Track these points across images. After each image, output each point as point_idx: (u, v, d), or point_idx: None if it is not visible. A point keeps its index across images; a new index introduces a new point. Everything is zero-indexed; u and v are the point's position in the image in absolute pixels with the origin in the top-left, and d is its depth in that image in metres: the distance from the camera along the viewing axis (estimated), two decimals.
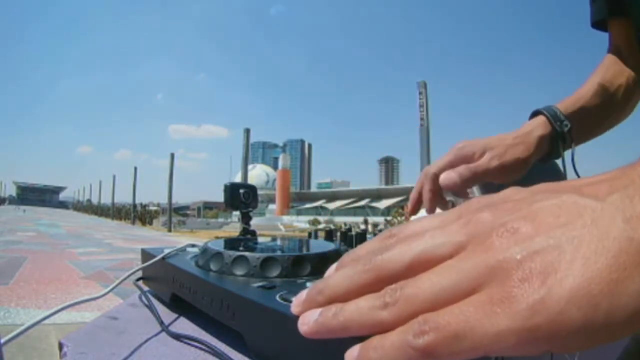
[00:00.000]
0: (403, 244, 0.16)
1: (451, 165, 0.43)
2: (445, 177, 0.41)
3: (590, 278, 0.12)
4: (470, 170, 0.41)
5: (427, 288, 0.14)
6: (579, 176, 0.51)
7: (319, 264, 0.31)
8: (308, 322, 0.16)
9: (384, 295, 0.15)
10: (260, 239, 0.43)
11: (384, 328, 0.15)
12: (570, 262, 0.12)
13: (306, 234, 0.53)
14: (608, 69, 0.53)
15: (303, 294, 0.18)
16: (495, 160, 0.42)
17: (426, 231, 0.16)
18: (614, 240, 0.12)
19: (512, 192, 0.17)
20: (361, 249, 0.19)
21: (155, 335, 0.30)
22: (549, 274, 0.12)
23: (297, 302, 0.18)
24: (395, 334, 0.14)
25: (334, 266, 0.19)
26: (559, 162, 0.51)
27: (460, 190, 0.43)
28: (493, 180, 0.43)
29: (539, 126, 0.46)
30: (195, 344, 0.28)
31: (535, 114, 0.48)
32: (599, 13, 0.56)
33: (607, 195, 0.13)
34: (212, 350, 0.26)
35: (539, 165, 0.81)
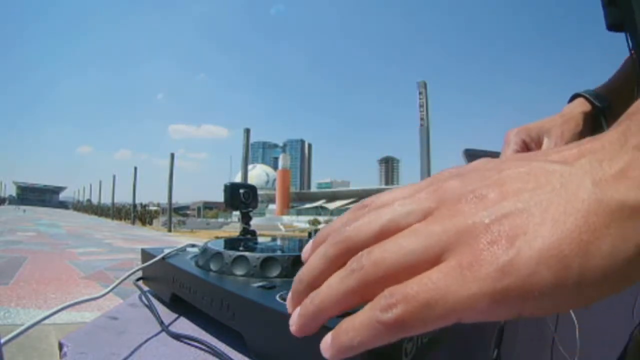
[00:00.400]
0: (372, 213, 0.16)
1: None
2: None
3: (560, 239, 0.12)
4: None
5: (395, 251, 0.14)
6: None
7: None
8: (294, 321, 0.16)
9: (351, 263, 0.15)
10: (260, 239, 0.43)
11: (354, 298, 0.14)
12: (539, 224, 0.12)
13: (306, 234, 0.53)
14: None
15: (290, 294, 0.18)
16: (559, 142, 0.42)
17: (396, 200, 0.16)
18: (582, 202, 0.12)
19: (481, 162, 0.17)
20: (334, 222, 0.18)
21: (155, 335, 0.30)
22: (518, 235, 0.12)
23: (288, 301, 0.18)
24: (363, 312, 0.14)
25: (308, 245, 0.19)
26: None
27: None
28: None
29: (579, 105, 0.46)
30: (195, 344, 0.28)
31: (573, 97, 0.48)
32: (616, 17, 0.55)
33: (576, 160, 0.13)
34: (212, 350, 0.26)
35: None
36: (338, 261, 0.16)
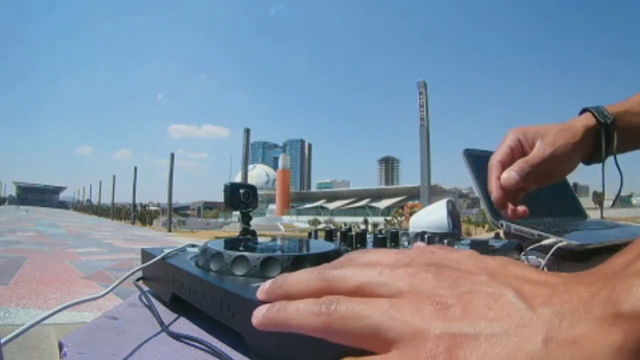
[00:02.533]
0: (356, 268, 0.18)
1: (512, 151, 0.45)
2: (507, 178, 0.44)
3: None
4: (528, 163, 0.44)
5: (359, 315, 0.16)
6: (621, 176, 0.51)
7: (319, 264, 0.30)
8: (257, 315, 0.19)
9: (322, 303, 0.17)
10: (260, 239, 0.43)
11: (317, 332, 0.17)
12: (480, 357, 0.13)
13: (306, 234, 0.53)
14: None
15: (267, 283, 0.21)
16: (548, 148, 0.44)
17: (378, 264, 0.18)
18: (527, 354, 0.12)
19: (466, 256, 0.18)
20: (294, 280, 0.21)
21: (155, 335, 0.30)
22: (459, 358, 0.13)
23: (261, 289, 0.21)
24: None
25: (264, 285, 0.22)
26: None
27: (525, 185, 0.44)
28: (549, 170, 0.45)
29: (584, 118, 0.47)
30: (195, 344, 0.28)
31: (582, 111, 0.49)
32: None
33: (541, 306, 0.13)
34: (212, 350, 0.26)
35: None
36: (313, 294, 0.18)
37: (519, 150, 0.45)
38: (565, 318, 0.12)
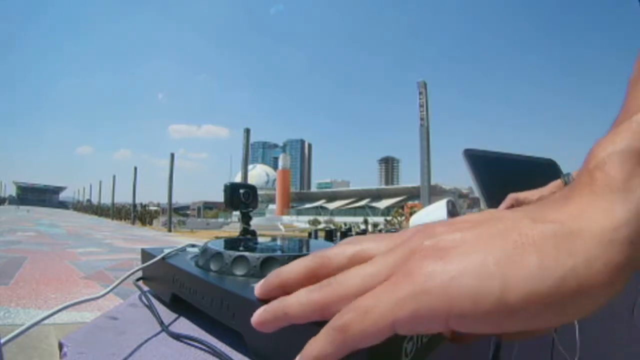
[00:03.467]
0: (346, 244, 0.19)
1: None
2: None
3: (486, 255, 0.13)
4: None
5: (354, 275, 0.17)
6: None
7: None
8: (258, 313, 0.19)
9: (320, 283, 0.18)
10: (260, 239, 0.43)
11: (317, 311, 0.17)
12: (470, 244, 0.14)
13: (306, 234, 0.53)
14: None
15: (262, 280, 0.21)
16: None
17: (371, 239, 0.19)
18: (518, 233, 0.13)
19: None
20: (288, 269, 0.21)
21: (155, 335, 0.30)
22: (449, 250, 0.14)
23: (258, 286, 0.21)
24: (327, 325, 0.16)
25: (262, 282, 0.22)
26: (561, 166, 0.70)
27: None
28: None
29: (554, 185, 0.63)
30: (195, 344, 0.28)
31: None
32: None
33: (518, 212, 0.15)
34: (212, 350, 0.26)
35: (540, 164, 0.89)
36: (314, 274, 0.19)
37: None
38: (545, 209, 0.15)
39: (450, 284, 0.13)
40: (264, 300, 0.20)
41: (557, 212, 0.14)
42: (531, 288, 0.12)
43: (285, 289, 0.19)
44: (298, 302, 0.17)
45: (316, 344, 0.16)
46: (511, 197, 0.64)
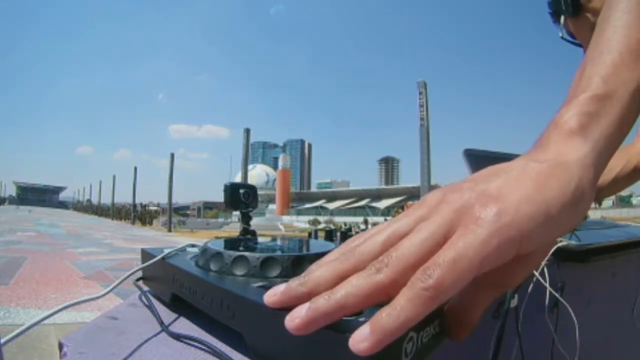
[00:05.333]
0: (372, 232, 0.19)
1: None
2: None
3: (525, 189, 0.18)
4: None
5: (410, 245, 0.17)
6: None
7: None
8: (299, 314, 0.17)
9: (372, 265, 0.17)
10: (260, 239, 0.43)
11: (384, 290, 0.16)
12: (509, 187, 0.18)
13: (306, 234, 0.53)
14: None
15: (278, 287, 0.19)
16: None
17: (389, 224, 0.19)
18: (528, 170, 0.19)
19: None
20: (331, 254, 0.21)
21: (155, 335, 0.30)
22: (500, 195, 0.18)
23: (272, 292, 0.19)
24: (404, 292, 0.16)
25: (279, 288, 0.20)
26: None
27: None
28: None
29: None
30: (195, 344, 0.28)
31: None
32: None
33: (518, 159, 0.20)
34: (212, 350, 0.26)
35: None
36: (346, 275, 0.18)
37: None
38: (538, 154, 0.21)
39: (517, 214, 0.17)
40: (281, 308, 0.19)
41: (547, 153, 0.20)
42: (562, 200, 0.18)
43: (312, 296, 0.18)
44: (355, 291, 0.16)
45: (401, 311, 0.15)
46: None
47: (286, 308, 0.18)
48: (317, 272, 0.19)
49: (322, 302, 0.17)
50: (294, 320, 0.17)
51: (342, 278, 0.18)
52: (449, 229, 0.17)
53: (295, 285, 0.19)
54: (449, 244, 0.16)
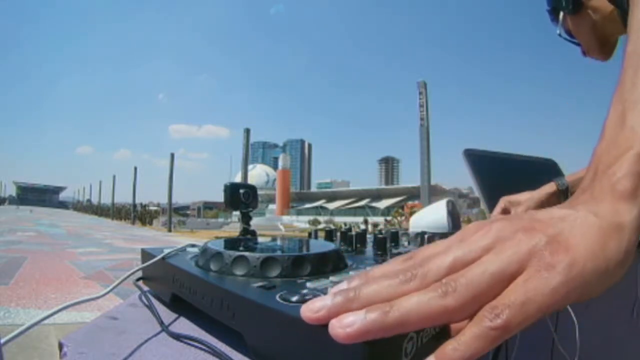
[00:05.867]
0: (437, 259, 0.19)
1: (503, 212, 0.69)
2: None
3: (591, 245, 0.18)
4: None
5: (480, 274, 0.17)
6: None
7: (319, 264, 0.31)
8: (352, 324, 0.16)
9: (440, 286, 0.17)
10: (260, 239, 0.43)
11: (449, 315, 0.17)
12: (576, 238, 0.18)
13: (306, 234, 0.53)
14: None
15: (321, 301, 0.18)
16: (519, 209, 0.69)
17: (448, 248, 0.20)
18: (593, 225, 0.19)
19: (501, 216, 0.23)
20: (381, 270, 0.20)
21: (155, 335, 0.30)
22: (568, 246, 0.18)
23: (314, 307, 0.18)
24: (470, 328, 0.16)
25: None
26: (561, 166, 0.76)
27: None
28: None
29: (548, 187, 0.71)
30: (195, 344, 0.28)
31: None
32: None
33: (576, 206, 0.21)
34: (212, 350, 0.26)
35: (540, 164, 0.91)
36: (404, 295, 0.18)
37: (507, 212, 0.69)
38: (592, 206, 0.20)
39: (584, 268, 0.17)
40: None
41: (602, 207, 0.20)
42: (618, 259, 0.18)
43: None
44: (421, 309, 0.17)
45: (467, 347, 0.16)
46: (504, 199, 0.70)
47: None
48: (372, 290, 0.18)
49: (380, 315, 0.16)
50: (344, 328, 0.16)
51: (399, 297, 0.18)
52: (518, 268, 0.17)
53: (344, 301, 0.18)
54: (518, 285, 0.17)
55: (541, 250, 0.18)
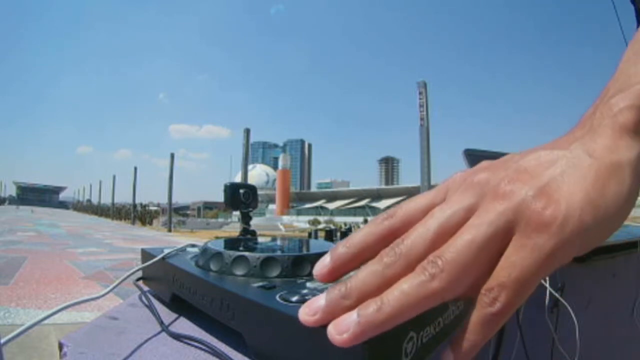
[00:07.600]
0: (419, 226, 0.18)
1: None
2: None
3: (586, 190, 0.16)
4: None
5: (466, 247, 0.16)
6: None
7: None
8: (347, 328, 0.16)
9: (424, 270, 0.16)
10: (260, 239, 0.43)
11: (441, 296, 0.16)
12: (570, 186, 0.16)
13: (306, 234, 0.53)
14: None
15: (316, 302, 0.17)
16: None
17: (428, 207, 0.18)
18: (589, 167, 0.17)
19: (486, 162, 0.19)
20: (360, 236, 0.19)
21: (155, 335, 0.30)
22: (560, 197, 0.16)
23: (311, 310, 0.17)
24: (472, 316, 0.16)
25: (325, 260, 0.19)
26: None
27: None
28: None
29: None
30: (195, 344, 0.28)
31: None
32: None
33: (570, 145, 0.18)
34: (212, 350, 0.26)
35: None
36: (394, 280, 0.17)
37: None
38: (587, 142, 0.18)
39: (581, 221, 0.16)
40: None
41: (598, 143, 0.18)
42: (618, 205, 0.17)
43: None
44: (410, 298, 0.16)
45: (474, 335, 0.16)
46: None
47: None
48: (360, 279, 0.17)
49: (372, 313, 0.16)
50: (341, 334, 0.16)
51: (389, 284, 0.16)
52: (508, 231, 0.16)
53: (337, 298, 0.17)
54: (510, 257, 0.16)
55: (529, 207, 0.16)
